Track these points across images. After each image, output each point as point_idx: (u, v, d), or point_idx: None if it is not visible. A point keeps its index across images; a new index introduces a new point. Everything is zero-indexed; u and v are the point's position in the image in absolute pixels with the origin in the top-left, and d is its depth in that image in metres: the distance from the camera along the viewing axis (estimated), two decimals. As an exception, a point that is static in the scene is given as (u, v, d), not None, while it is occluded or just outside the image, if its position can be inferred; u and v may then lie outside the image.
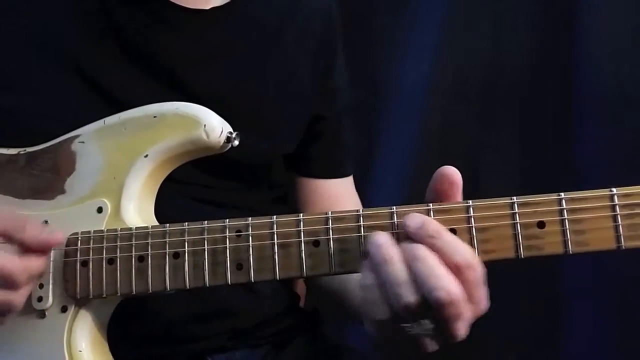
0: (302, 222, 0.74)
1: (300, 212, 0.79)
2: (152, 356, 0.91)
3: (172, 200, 0.86)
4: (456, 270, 0.64)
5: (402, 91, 1.51)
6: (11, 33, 0.91)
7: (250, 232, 0.75)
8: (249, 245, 0.74)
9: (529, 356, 1.48)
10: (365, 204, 0.71)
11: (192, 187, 0.93)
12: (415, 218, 0.67)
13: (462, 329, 0.65)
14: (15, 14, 0.92)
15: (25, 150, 0.86)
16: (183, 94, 0.89)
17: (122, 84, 0.91)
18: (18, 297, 0.76)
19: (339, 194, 1.10)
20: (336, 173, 1.11)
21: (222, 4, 0.97)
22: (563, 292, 1.45)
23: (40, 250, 0.76)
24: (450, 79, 1.48)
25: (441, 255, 0.64)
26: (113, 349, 0.82)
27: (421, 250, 0.64)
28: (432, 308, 0.63)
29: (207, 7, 0.95)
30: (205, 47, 0.95)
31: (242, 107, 0.94)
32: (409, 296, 0.63)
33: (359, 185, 1.15)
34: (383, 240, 0.66)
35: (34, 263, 0.76)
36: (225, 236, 0.75)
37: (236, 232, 0.75)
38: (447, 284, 0.62)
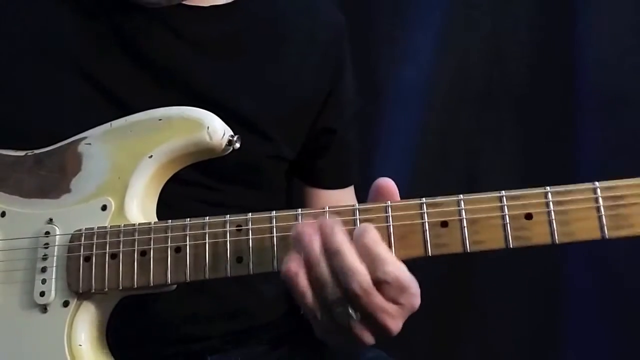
0: (300, 217, 0.77)
1: None
2: (152, 355, 0.92)
3: (172, 200, 0.88)
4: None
5: (402, 91, 1.52)
6: (14, 38, 0.94)
7: (250, 226, 0.77)
8: (248, 238, 0.77)
9: (530, 356, 1.47)
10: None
11: (191, 188, 0.94)
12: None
13: (392, 324, 0.69)
14: (17, 19, 0.95)
15: (32, 152, 0.89)
16: (183, 92, 0.91)
17: (124, 84, 0.93)
18: None
19: (340, 203, 1.12)
20: (341, 184, 1.13)
21: (223, 3, 0.98)
22: (563, 293, 1.44)
23: None
24: (450, 79, 1.49)
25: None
26: (113, 348, 0.84)
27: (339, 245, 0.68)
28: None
29: (206, 5, 0.96)
30: (205, 46, 0.96)
31: (240, 108, 0.95)
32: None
33: (359, 185, 1.16)
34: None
35: None
36: (226, 230, 0.78)
37: (236, 226, 0.78)
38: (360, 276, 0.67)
